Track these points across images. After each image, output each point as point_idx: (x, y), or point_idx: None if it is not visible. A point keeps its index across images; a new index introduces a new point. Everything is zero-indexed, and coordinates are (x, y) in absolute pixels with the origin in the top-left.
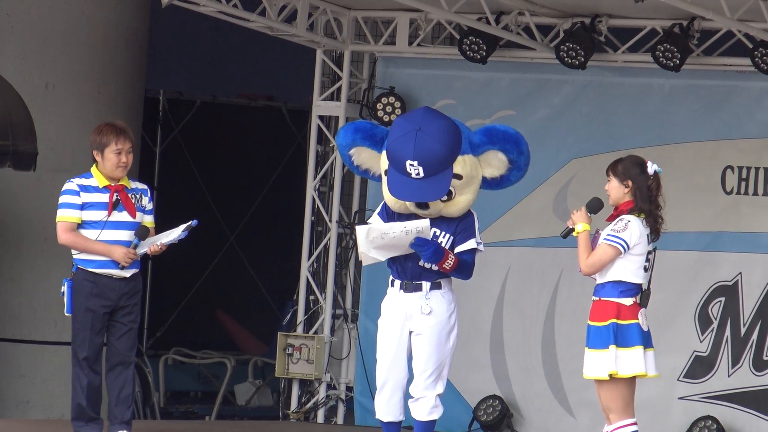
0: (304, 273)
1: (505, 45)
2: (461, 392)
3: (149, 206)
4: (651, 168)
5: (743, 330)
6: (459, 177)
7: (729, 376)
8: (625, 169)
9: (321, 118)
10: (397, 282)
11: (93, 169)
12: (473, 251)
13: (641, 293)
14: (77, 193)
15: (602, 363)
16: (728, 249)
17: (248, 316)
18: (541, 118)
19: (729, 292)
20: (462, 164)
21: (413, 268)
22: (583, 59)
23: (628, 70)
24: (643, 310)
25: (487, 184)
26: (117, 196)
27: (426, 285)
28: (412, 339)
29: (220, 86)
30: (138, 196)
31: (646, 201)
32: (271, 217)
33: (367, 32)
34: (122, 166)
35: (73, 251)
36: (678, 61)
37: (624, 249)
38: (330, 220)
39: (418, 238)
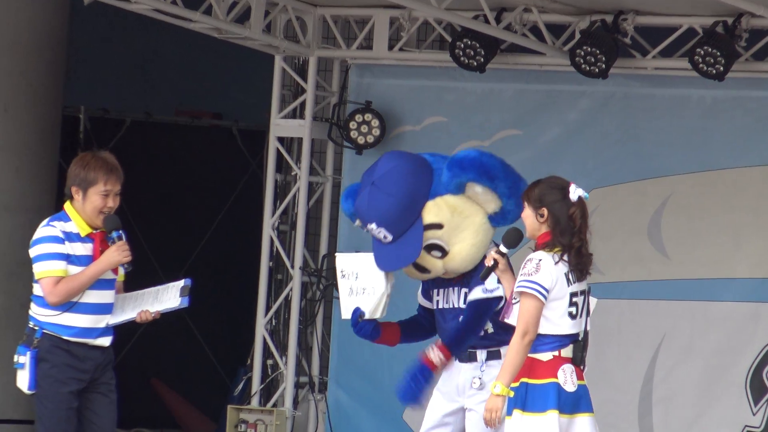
0: (260, 331)
1: (507, 49)
2: None
3: None
4: (574, 193)
5: None
6: (438, 226)
7: None
8: (540, 195)
9: (280, 140)
10: None
11: (68, 208)
12: (481, 302)
13: (573, 345)
14: (62, 241)
15: None
16: None
17: (191, 385)
18: (553, 138)
19: None
20: (436, 210)
21: (451, 328)
22: (604, 66)
23: (661, 79)
24: (566, 366)
25: (493, 220)
26: (101, 248)
27: (481, 354)
28: (466, 416)
29: (155, 102)
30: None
31: (567, 233)
32: (218, 263)
33: (337, 34)
34: (106, 212)
35: (37, 314)
36: (722, 68)
37: (544, 296)
38: (292, 266)
39: (355, 312)
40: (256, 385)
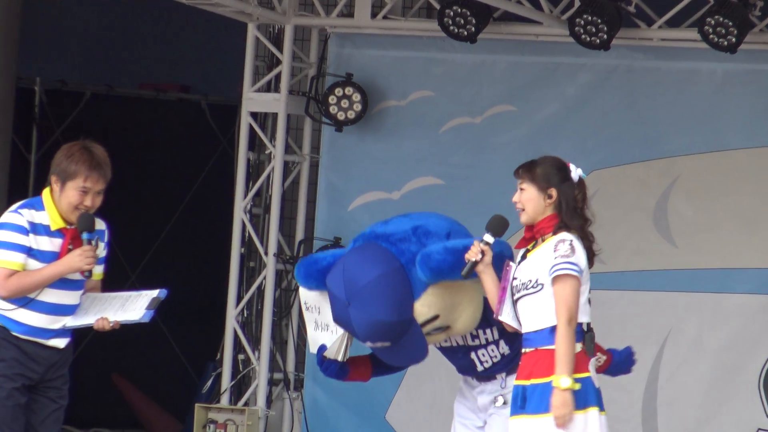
0: (231, 324)
1: (501, 17)
2: None
3: (103, 252)
4: (575, 173)
5: None
6: (434, 318)
7: None
8: (546, 175)
9: (254, 115)
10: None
11: (46, 196)
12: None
13: (585, 335)
14: (26, 232)
15: None
16: None
17: (155, 381)
18: (550, 115)
19: None
20: (426, 309)
21: (466, 364)
22: (605, 36)
23: (668, 51)
24: (592, 360)
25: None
26: (70, 245)
27: (500, 373)
28: (487, 421)
29: (117, 74)
30: (94, 242)
31: (574, 216)
32: (185, 249)
33: (316, 0)
34: (82, 209)
35: None
36: (734, 39)
37: (582, 278)
38: (266, 253)
39: (321, 349)
40: (226, 382)
